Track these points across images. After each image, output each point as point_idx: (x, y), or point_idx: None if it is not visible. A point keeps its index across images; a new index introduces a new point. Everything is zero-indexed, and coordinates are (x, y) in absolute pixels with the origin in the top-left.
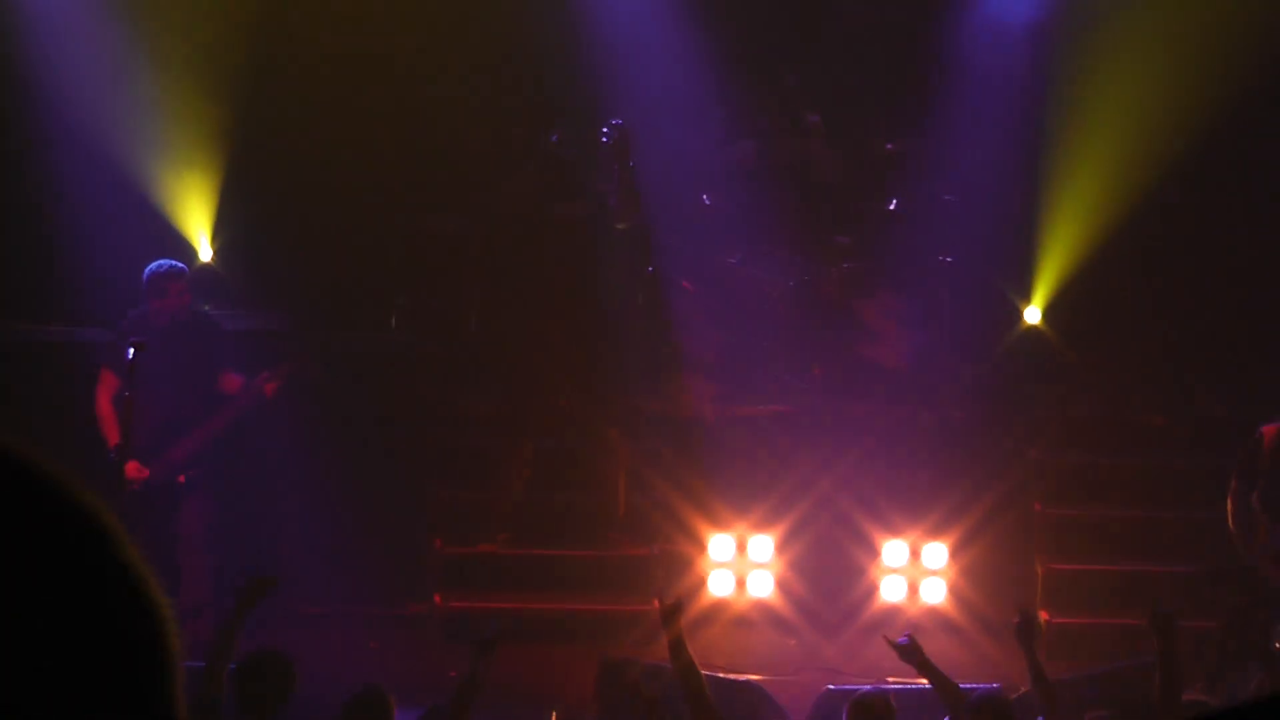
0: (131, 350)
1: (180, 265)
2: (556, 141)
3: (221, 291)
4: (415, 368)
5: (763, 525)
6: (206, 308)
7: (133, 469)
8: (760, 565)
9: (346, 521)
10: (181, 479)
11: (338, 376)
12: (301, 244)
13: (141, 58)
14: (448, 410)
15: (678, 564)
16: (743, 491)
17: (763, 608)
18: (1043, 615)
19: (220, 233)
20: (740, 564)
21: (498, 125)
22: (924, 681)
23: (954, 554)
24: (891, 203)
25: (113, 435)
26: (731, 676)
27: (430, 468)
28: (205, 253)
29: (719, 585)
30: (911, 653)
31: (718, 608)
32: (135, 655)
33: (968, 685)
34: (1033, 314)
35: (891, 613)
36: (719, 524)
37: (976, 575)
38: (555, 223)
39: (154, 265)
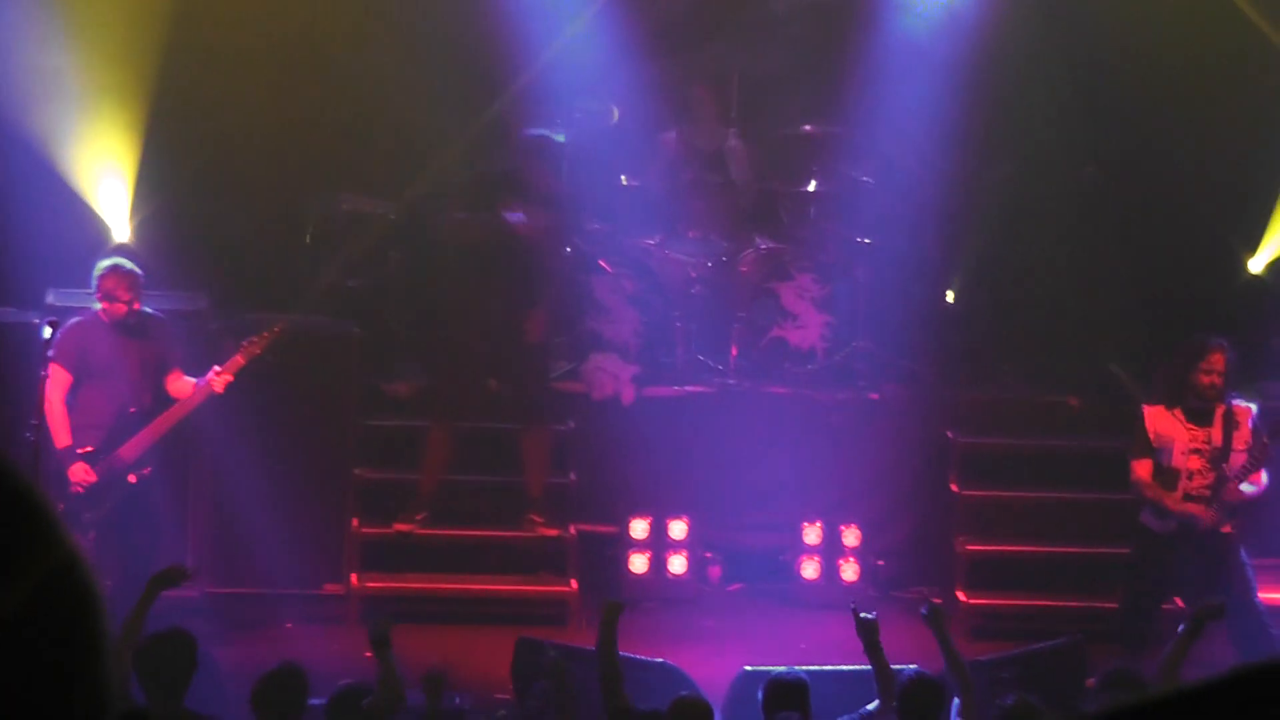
0: (48, 329)
1: (131, 266)
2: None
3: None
4: (334, 348)
5: (680, 506)
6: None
7: (78, 471)
8: (677, 546)
9: (263, 502)
10: (132, 479)
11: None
12: (220, 223)
13: (56, 32)
14: (367, 391)
15: (595, 545)
16: (660, 473)
17: (680, 588)
18: (961, 596)
19: (138, 211)
20: (658, 545)
21: (421, 105)
22: (838, 664)
23: (872, 535)
24: (810, 185)
25: (62, 436)
26: (648, 657)
27: (348, 448)
28: (122, 231)
29: (636, 566)
30: (868, 629)
31: (635, 588)
32: (66, 635)
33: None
34: (953, 296)
35: (808, 591)
36: (637, 505)
37: (895, 556)
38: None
39: (104, 264)
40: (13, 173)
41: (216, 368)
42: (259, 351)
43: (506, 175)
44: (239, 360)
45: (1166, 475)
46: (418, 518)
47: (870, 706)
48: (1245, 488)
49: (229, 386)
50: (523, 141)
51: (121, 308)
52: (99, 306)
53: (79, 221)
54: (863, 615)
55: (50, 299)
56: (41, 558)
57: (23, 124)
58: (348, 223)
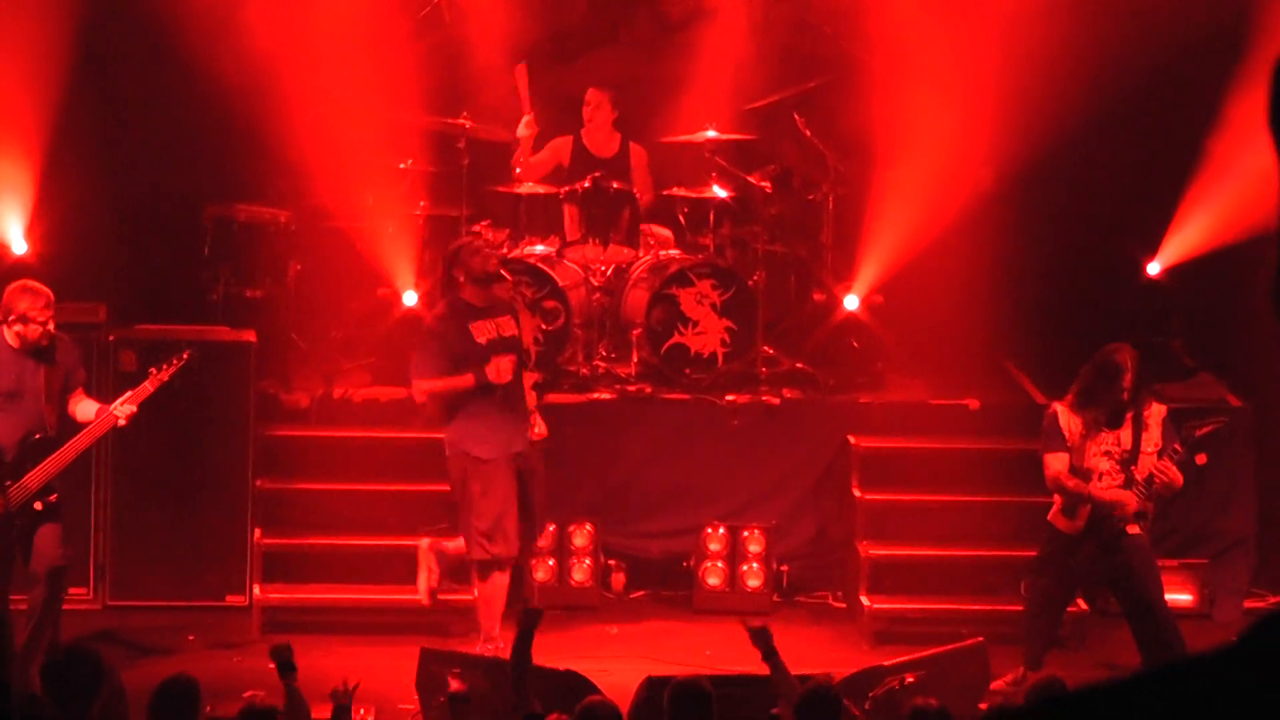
0: None
1: (43, 287)
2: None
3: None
4: (233, 358)
5: (583, 513)
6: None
7: None
8: (580, 553)
9: (165, 513)
10: (39, 506)
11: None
12: (117, 235)
13: None
14: (266, 401)
15: None
16: (562, 480)
17: (584, 595)
18: (864, 600)
19: (37, 226)
20: (561, 552)
21: (319, 112)
22: (742, 671)
23: (774, 540)
24: (709, 190)
25: None
26: (553, 666)
27: (248, 459)
28: (19, 244)
29: (540, 573)
30: (762, 637)
31: (540, 596)
32: None
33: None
34: (851, 301)
35: (712, 598)
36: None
37: (798, 561)
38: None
39: (14, 285)
40: None
41: (120, 399)
42: (167, 379)
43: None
44: (147, 388)
45: (1075, 476)
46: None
47: (774, 712)
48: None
49: (132, 416)
50: (460, 251)
51: (36, 330)
52: (8, 329)
53: None
54: (753, 625)
55: None
56: None
57: None
58: (245, 233)
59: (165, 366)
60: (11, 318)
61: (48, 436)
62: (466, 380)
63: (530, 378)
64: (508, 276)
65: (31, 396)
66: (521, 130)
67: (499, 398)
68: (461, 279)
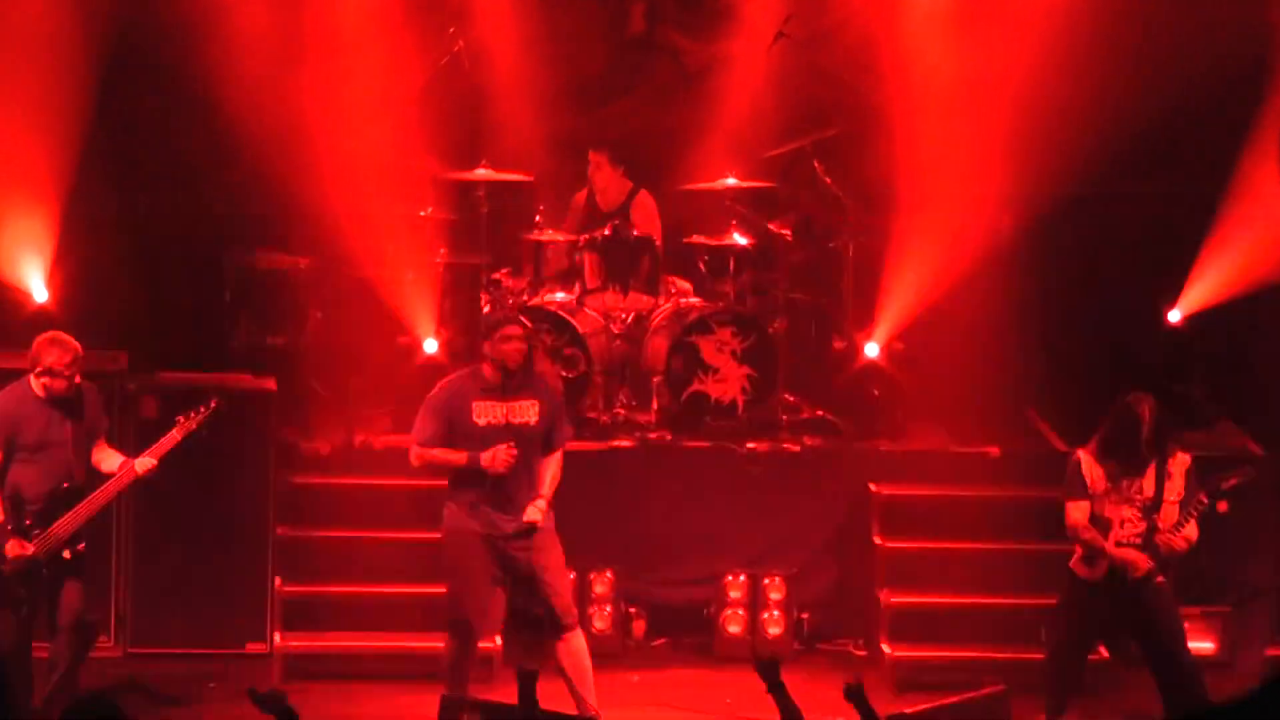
0: None
1: (71, 341)
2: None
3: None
4: (254, 406)
5: (604, 561)
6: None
7: (14, 547)
8: (601, 601)
9: (186, 560)
10: (67, 555)
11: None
12: (138, 282)
13: None
14: (287, 449)
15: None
16: (583, 527)
17: (604, 642)
18: (885, 648)
19: (57, 273)
20: (582, 600)
21: (340, 160)
22: (764, 718)
23: (795, 588)
24: (729, 238)
25: None
26: (573, 714)
27: (269, 507)
28: (41, 292)
29: None
30: (769, 670)
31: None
32: None
33: None
34: (872, 349)
35: (733, 645)
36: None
37: (819, 609)
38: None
39: (44, 337)
40: None
41: (143, 453)
42: (194, 428)
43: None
44: (174, 436)
45: (1097, 524)
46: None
47: None
48: (1179, 539)
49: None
50: (500, 343)
51: (63, 384)
52: (35, 380)
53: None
54: (761, 657)
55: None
56: None
57: None
58: (266, 280)
59: (193, 415)
60: (39, 369)
61: (75, 486)
62: (460, 458)
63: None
64: (542, 366)
65: (58, 447)
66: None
67: (482, 480)
68: (487, 352)
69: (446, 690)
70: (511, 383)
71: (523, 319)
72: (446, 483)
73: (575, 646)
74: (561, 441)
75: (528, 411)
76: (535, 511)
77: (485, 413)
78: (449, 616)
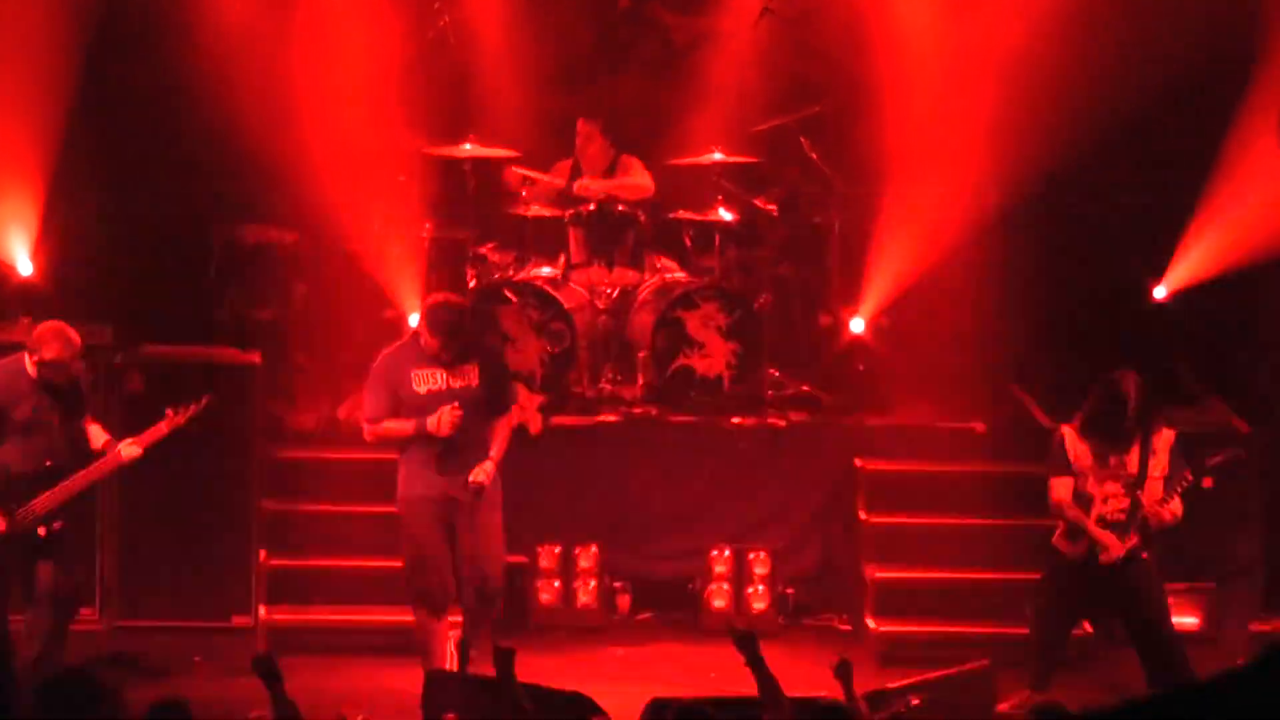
0: None
1: (75, 336)
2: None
3: (44, 306)
4: (239, 380)
5: (589, 535)
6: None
7: None
8: (586, 575)
9: (169, 534)
10: (42, 532)
11: (159, 389)
12: (124, 256)
13: None
14: (272, 423)
15: (504, 575)
16: (568, 502)
17: (589, 616)
18: (869, 623)
19: (43, 247)
20: (566, 574)
21: (327, 134)
22: (749, 692)
23: (780, 563)
24: (715, 213)
25: None
26: (558, 688)
27: (254, 480)
28: (25, 265)
29: (545, 594)
30: (746, 643)
31: (544, 617)
32: None
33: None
34: (857, 324)
35: (718, 620)
36: (545, 535)
37: (803, 584)
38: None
39: (51, 324)
40: None
41: (129, 440)
42: (183, 423)
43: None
44: (161, 429)
45: (1080, 500)
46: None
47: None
48: (1166, 511)
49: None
50: (425, 313)
51: (61, 375)
52: (29, 361)
53: None
54: (737, 629)
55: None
56: None
57: None
58: (252, 254)
59: (182, 409)
60: (37, 358)
61: (57, 465)
62: (408, 428)
63: (535, 400)
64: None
65: (46, 427)
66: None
67: (428, 446)
68: (423, 321)
69: (423, 662)
70: (449, 350)
71: (453, 294)
72: (397, 453)
73: (475, 618)
74: (507, 405)
75: (468, 375)
76: (482, 473)
77: (425, 380)
78: (411, 588)
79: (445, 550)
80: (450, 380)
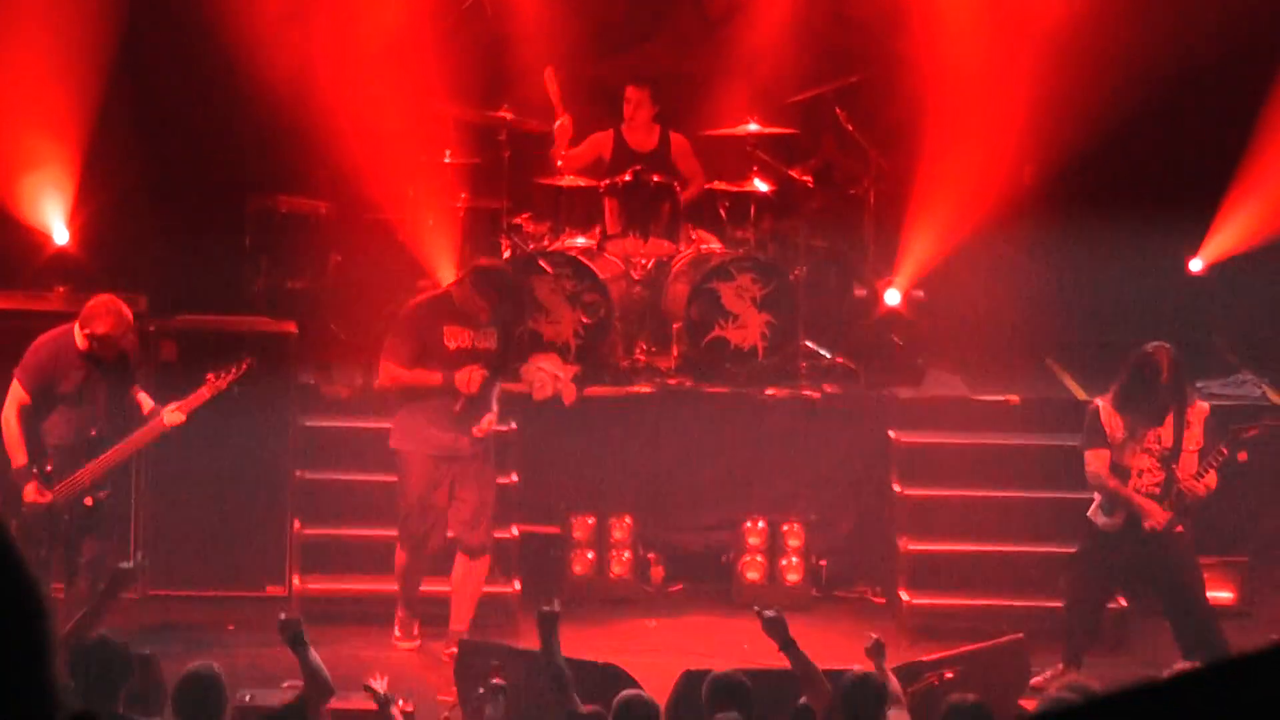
0: None
1: (126, 311)
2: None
3: (79, 275)
4: (274, 349)
5: (622, 507)
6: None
7: (32, 491)
8: (620, 546)
9: (204, 503)
10: (89, 501)
11: (193, 359)
12: (159, 225)
13: None
14: (306, 392)
15: (538, 546)
16: (602, 473)
17: (622, 588)
18: (903, 596)
19: (78, 215)
20: (600, 545)
21: (361, 104)
22: (780, 664)
23: (814, 535)
24: (750, 184)
25: (18, 455)
26: (591, 659)
27: (288, 450)
28: (61, 234)
29: (579, 566)
30: (777, 627)
31: (577, 589)
32: (15, 637)
33: (831, 669)
34: (892, 296)
35: (751, 591)
36: (579, 506)
37: (837, 556)
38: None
39: (103, 298)
40: None
41: (173, 405)
42: (224, 387)
43: (455, 300)
44: (202, 395)
45: (1116, 473)
46: (415, 632)
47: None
48: (1201, 485)
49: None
50: (474, 274)
51: (111, 352)
52: (79, 333)
53: (16, 223)
54: (766, 614)
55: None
56: None
57: None
58: (286, 224)
59: (223, 374)
60: (87, 330)
61: (101, 435)
62: (434, 379)
63: (569, 370)
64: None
65: (91, 398)
66: (555, 129)
67: (453, 401)
68: (470, 286)
69: (400, 594)
70: (492, 313)
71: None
72: (396, 408)
73: (466, 570)
74: (509, 364)
75: (490, 338)
76: (487, 424)
77: (456, 337)
78: (402, 531)
79: (436, 502)
80: (477, 341)
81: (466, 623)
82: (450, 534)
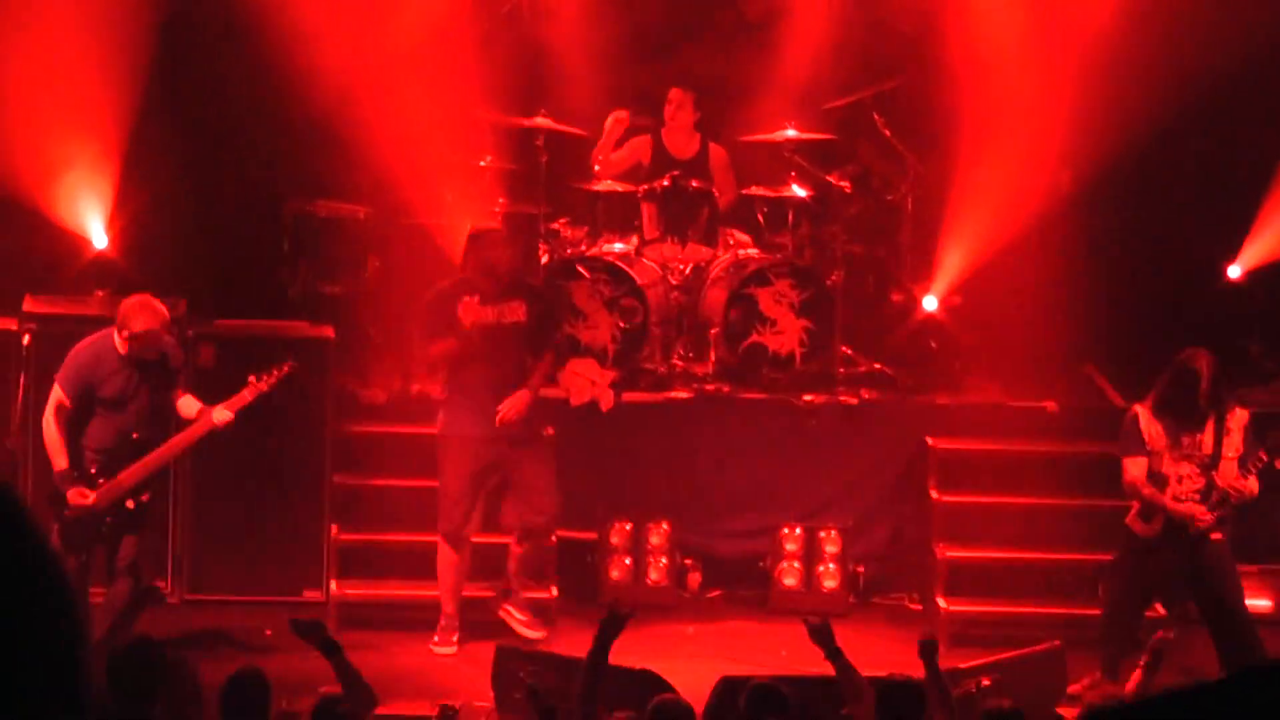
0: (26, 336)
1: (162, 309)
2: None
3: (118, 279)
4: (311, 354)
5: (659, 512)
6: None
7: (76, 495)
8: (657, 552)
9: (242, 508)
10: (130, 504)
11: (232, 363)
12: (198, 229)
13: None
14: (344, 397)
15: (575, 551)
16: (639, 479)
17: (659, 594)
18: (940, 602)
19: (117, 219)
20: (637, 551)
21: (399, 109)
22: (818, 672)
23: (851, 541)
24: (788, 190)
25: (59, 459)
26: (628, 665)
27: (326, 454)
28: (101, 238)
29: (616, 571)
30: (823, 635)
31: (614, 594)
32: (47, 634)
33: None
34: (930, 302)
35: (788, 597)
36: (616, 511)
37: (874, 562)
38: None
39: (138, 297)
40: None
41: (219, 405)
42: (266, 389)
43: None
44: (246, 396)
45: (1154, 480)
46: (454, 639)
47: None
48: (1244, 488)
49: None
50: (469, 241)
51: (150, 351)
52: (119, 336)
53: (56, 226)
54: (811, 621)
55: (27, 305)
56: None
57: None
58: (325, 228)
59: (265, 376)
60: (124, 332)
61: (144, 437)
62: (449, 345)
63: (607, 375)
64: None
65: (133, 401)
66: (609, 123)
67: (474, 379)
68: (471, 259)
69: (442, 596)
70: (498, 286)
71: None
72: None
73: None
74: (551, 341)
75: (516, 311)
76: (509, 406)
77: (470, 311)
78: (441, 525)
79: (475, 490)
80: (501, 314)
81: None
82: (512, 519)
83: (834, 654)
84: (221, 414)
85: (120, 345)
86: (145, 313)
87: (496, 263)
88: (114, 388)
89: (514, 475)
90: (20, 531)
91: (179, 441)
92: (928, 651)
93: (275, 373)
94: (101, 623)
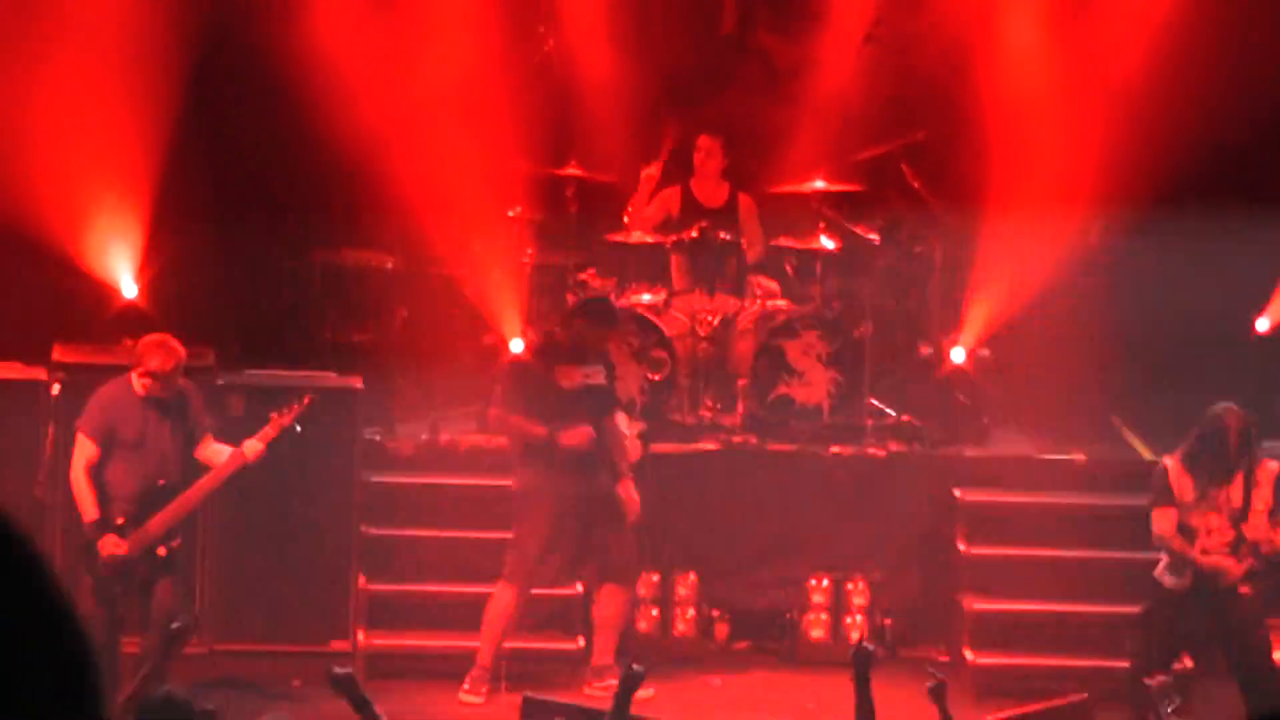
0: (55, 386)
1: (177, 347)
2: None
3: (147, 328)
4: (339, 403)
5: (687, 563)
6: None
7: (109, 544)
8: (684, 603)
9: (269, 558)
10: (162, 551)
11: (260, 412)
12: (226, 279)
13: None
14: (371, 447)
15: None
16: (667, 530)
17: (686, 645)
18: (967, 655)
19: (147, 269)
20: (664, 602)
21: (428, 158)
22: None
23: (878, 593)
24: (816, 241)
25: (89, 509)
26: (655, 717)
27: (353, 504)
28: (130, 288)
29: (643, 623)
30: (863, 660)
31: (641, 645)
32: (67, 688)
33: None
34: (958, 354)
35: (815, 650)
36: (644, 562)
37: (902, 615)
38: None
39: (154, 336)
40: (16, 225)
41: (249, 439)
42: (289, 422)
43: (563, 340)
44: (270, 432)
45: (1183, 533)
46: (484, 690)
47: None
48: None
49: (260, 455)
50: (586, 309)
51: (165, 389)
52: (136, 378)
53: (85, 275)
54: (864, 644)
55: (56, 354)
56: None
57: (29, 177)
58: (352, 278)
59: (286, 411)
60: (141, 371)
61: (170, 484)
62: (539, 433)
63: (635, 427)
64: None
65: (154, 444)
66: (641, 179)
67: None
68: (578, 328)
69: (483, 643)
70: (598, 348)
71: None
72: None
73: (613, 598)
74: (616, 403)
75: (599, 374)
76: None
77: (568, 376)
78: (507, 569)
79: (549, 543)
80: (589, 377)
81: (611, 654)
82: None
83: (861, 682)
84: (253, 446)
85: (138, 386)
86: (161, 351)
87: (605, 337)
88: (133, 429)
89: (598, 532)
90: (39, 583)
91: (207, 483)
92: (938, 694)
93: (295, 407)
94: (137, 673)
